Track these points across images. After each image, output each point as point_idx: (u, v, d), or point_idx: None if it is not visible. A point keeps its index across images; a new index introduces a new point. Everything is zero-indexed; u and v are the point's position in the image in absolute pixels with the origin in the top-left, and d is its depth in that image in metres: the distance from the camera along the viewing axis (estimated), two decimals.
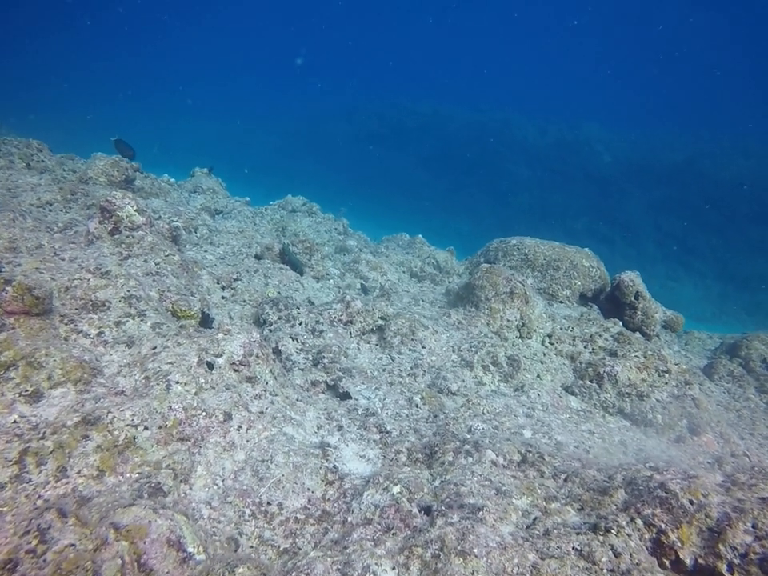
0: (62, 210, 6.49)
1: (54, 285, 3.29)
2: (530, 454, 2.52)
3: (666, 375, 4.39)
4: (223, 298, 4.97)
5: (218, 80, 59.07)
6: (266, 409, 2.86)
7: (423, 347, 4.51)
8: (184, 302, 3.86)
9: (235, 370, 2.89)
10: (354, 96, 51.50)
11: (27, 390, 2.47)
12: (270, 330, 4.30)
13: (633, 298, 6.89)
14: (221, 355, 2.86)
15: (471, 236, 37.96)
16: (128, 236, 4.74)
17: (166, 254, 4.67)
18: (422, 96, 49.60)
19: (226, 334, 3.00)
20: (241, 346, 2.97)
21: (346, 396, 3.67)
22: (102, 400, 2.44)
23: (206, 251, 6.22)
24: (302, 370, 3.94)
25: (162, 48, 62.10)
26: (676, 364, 4.55)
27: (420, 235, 8.99)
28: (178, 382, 2.54)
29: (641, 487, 1.97)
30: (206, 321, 4.03)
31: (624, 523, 1.87)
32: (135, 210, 4.98)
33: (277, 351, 4.06)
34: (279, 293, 5.43)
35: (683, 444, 3.70)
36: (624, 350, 4.88)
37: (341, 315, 4.52)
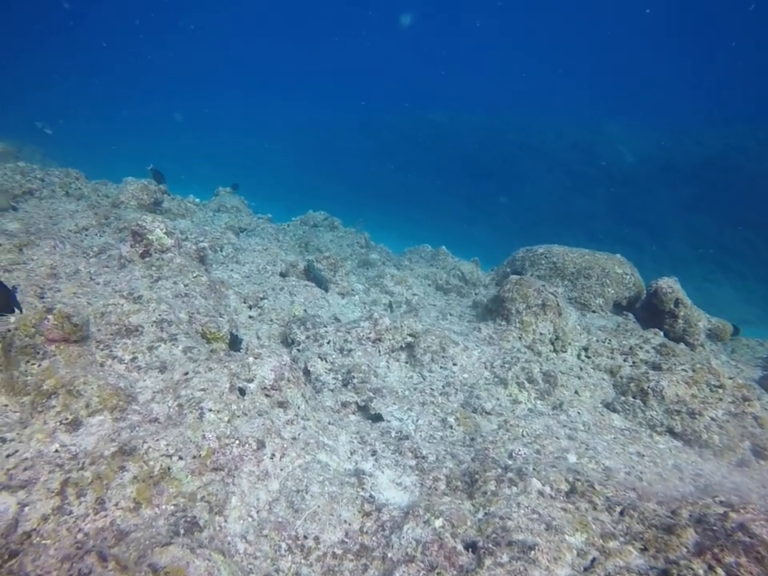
0: (96, 234, 6.61)
1: (90, 310, 3.29)
2: (579, 483, 2.38)
3: (720, 390, 4.16)
4: (250, 317, 4.95)
5: (235, 97, 60.17)
6: (299, 435, 2.79)
7: (454, 364, 4.40)
8: (213, 324, 3.84)
9: (267, 395, 2.83)
10: (368, 108, 51.81)
11: (67, 419, 2.47)
12: (298, 350, 4.25)
13: (672, 306, 6.64)
14: (252, 380, 2.81)
15: (493, 244, 37.57)
16: (158, 258, 4.77)
17: (194, 275, 4.67)
18: (437, 105, 49.63)
19: (256, 358, 2.95)
20: (272, 370, 2.91)
21: (377, 418, 3.58)
22: (137, 429, 2.41)
23: (231, 270, 6.23)
24: (332, 390, 3.86)
25: (180, 67, 63.57)
26: (730, 378, 4.32)
27: (443, 246, 8.89)
28: (210, 410, 2.49)
29: (714, 527, 1.81)
30: (234, 342, 4.00)
31: (701, 572, 1.71)
32: (164, 233, 5.02)
33: (306, 372, 4.00)
34: (305, 310, 5.39)
35: (748, 469, 3.49)
36: (669, 363, 4.68)
37: (369, 333, 4.44)
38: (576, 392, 4.55)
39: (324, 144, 47.71)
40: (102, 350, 2.96)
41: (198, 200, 10.63)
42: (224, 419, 2.49)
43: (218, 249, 7.22)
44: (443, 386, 4.19)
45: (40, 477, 2.21)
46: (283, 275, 6.21)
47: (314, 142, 48.36)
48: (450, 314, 5.82)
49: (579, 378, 4.76)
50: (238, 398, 2.66)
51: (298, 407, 2.93)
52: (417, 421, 3.66)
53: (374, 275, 7.01)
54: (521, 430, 3.32)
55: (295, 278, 6.06)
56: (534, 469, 2.63)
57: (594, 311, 7.16)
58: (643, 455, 3.39)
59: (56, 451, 2.35)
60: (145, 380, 2.82)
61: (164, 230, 4.94)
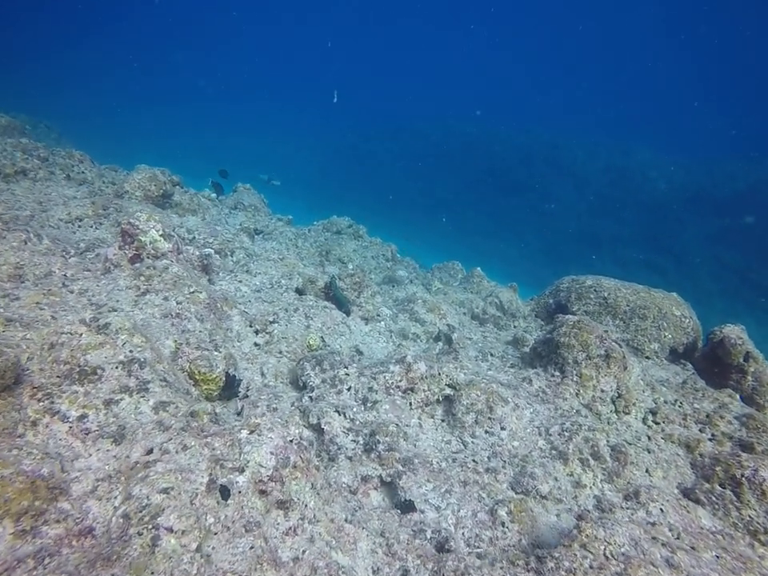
0: (91, 227, 5.88)
1: (36, 339, 2.48)
2: None
3: None
4: (256, 345, 4.13)
5: (264, 95, 60.01)
6: (303, 552, 1.94)
7: (503, 428, 3.53)
8: (204, 362, 3.02)
9: (262, 492, 1.99)
10: (399, 115, 51.18)
11: None
12: (310, 398, 3.41)
13: (741, 360, 5.70)
14: (243, 470, 1.97)
15: (516, 260, 36.68)
16: (149, 266, 3.97)
17: (191, 290, 3.87)
18: (469, 116, 48.84)
19: (252, 432, 2.11)
20: (272, 452, 2.07)
21: (408, 506, 2.72)
22: (46, 560, 1.57)
23: (240, 281, 5.43)
24: (350, 458, 3.02)
25: (213, 64, 63.70)
26: None
27: (478, 268, 8.02)
28: (172, 531, 1.65)
29: None
30: (230, 385, 3.18)
31: None
32: (161, 236, 4.23)
33: (318, 429, 3.16)
34: (323, 339, 4.56)
35: None
36: (763, 443, 3.76)
37: (399, 380, 3.59)
38: (647, 471, 3.64)
39: (352, 147, 47.11)
40: (39, 400, 2.15)
41: (213, 195, 9.91)
42: (191, 546, 1.65)
43: (229, 253, 6.44)
44: (488, 457, 3.32)
45: None
46: (300, 292, 5.40)
47: (341, 144, 47.81)
48: (491, 354, 4.95)
49: (649, 452, 3.86)
50: (218, 503, 1.82)
51: (305, 505, 2.08)
52: (458, 511, 2.80)
53: (403, 298, 6.16)
54: (603, 547, 2.42)
55: (313, 297, 5.24)
56: None
57: (647, 357, 6.25)
58: None
59: None
60: (90, 455, 2.01)
61: (160, 232, 4.16)
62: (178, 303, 3.70)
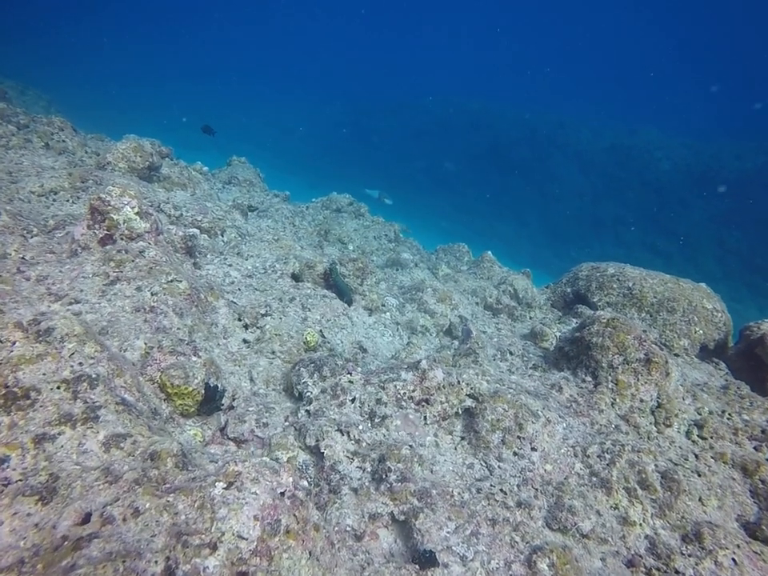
0: (67, 201, 5.27)
1: None
2: None
3: None
4: (245, 342, 3.57)
5: (265, 69, 58.30)
6: None
7: (533, 449, 2.99)
8: (179, 372, 2.45)
9: (241, 575, 1.44)
10: (402, 90, 49.82)
11: None
12: (307, 412, 2.86)
13: None
14: (215, 547, 1.42)
15: (515, 240, 36.07)
16: (120, 250, 3.38)
17: (170, 279, 3.28)
18: (473, 92, 47.62)
19: (230, 486, 1.56)
20: (256, 517, 1.52)
21: (428, 561, 2.19)
22: None
23: (230, 265, 4.84)
24: (356, 490, 2.48)
25: (212, 38, 61.72)
26: None
27: (489, 252, 7.43)
28: None
29: None
30: (210, 398, 2.62)
31: None
32: (136, 214, 3.62)
33: (317, 453, 2.62)
34: (321, 333, 4.00)
35: None
36: None
37: (412, 391, 3.04)
38: (700, 499, 3.13)
39: (353, 123, 45.89)
40: None
41: (206, 168, 9.23)
42: None
43: (219, 232, 5.84)
44: (518, 486, 2.79)
45: None
46: (296, 278, 4.82)
47: (341, 119, 46.56)
48: (511, 353, 4.40)
49: (699, 475, 3.34)
50: None
51: None
52: (488, 563, 2.28)
53: (410, 285, 5.59)
54: None
55: (311, 285, 4.66)
56: None
57: (676, 354, 5.72)
58: None
59: None
60: (2, 522, 1.44)
61: (136, 209, 3.55)
62: (153, 294, 3.12)
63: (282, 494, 1.65)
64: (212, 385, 2.63)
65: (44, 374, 1.87)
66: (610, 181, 39.96)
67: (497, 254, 7.61)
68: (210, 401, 2.61)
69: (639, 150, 41.35)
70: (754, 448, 3.66)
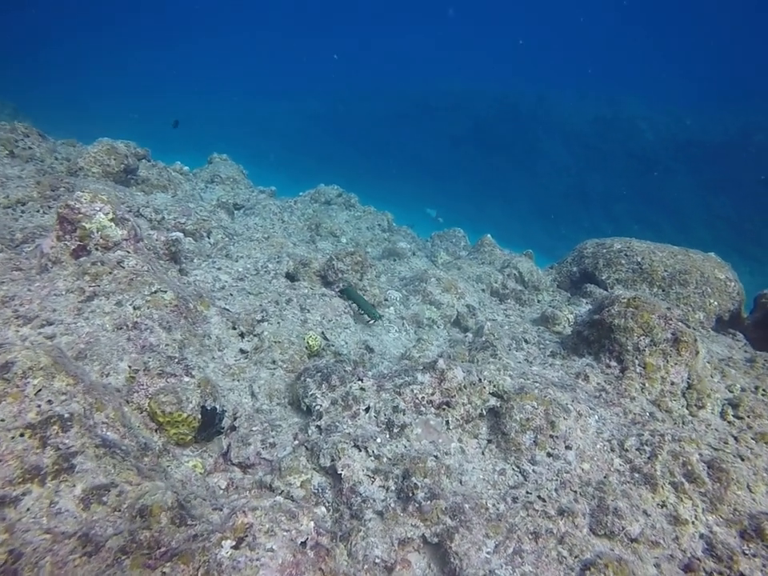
0: (38, 211, 4.92)
1: None
2: None
3: None
4: (242, 352, 3.27)
5: (237, 60, 57.17)
6: None
7: (567, 447, 2.73)
8: (170, 398, 2.15)
9: None
10: (378, 76, 49.08)
11: None
12: (318, 428, 2.57)
13: None
14: None
15: (507, 221, 35.78)
16: (96, 261, 3.06)
17: (153, 289, 2.97)
18: (451, 73, 47.07)
19: (239, 544, 1.27)
20: None
21: None
22: None
23: (219, 269, 4.52)
24: (380, 513, 2.21)
25: (179, 22, 60.31)
26: None
27: (488, 235, 7.15)
28: None
29: None
30: (209, 423, 2.32)
31: None
32: (111, 220, 3.30)
33: (333, 474, 2.34)
34: (323, 335, 3.71)
35: None
36: None
37: (431, 394, 2.77)
38: (748, 487, 2.89)
39: (332, 112, 45.20)
40: None
41: (186, 168, 8.83)
42: None
43: (205, 234, 5.51)
44: (556, 490, 2.53)
45: None
46: (291, 278, 4.51)
47: (320, 109, 45.84)
48: (526, 341, 4.13)
49: (742, 459, 3.10)
50: None
51: None
52: None
53: (411, 276, 5.29)
54: None
55: (307, 283, 4.36)
56: None
57: (693, 329, 5.47)
58: None
59: None
60: None
61: (110, 215, 3.22)
62: (135, 309, 2.81)
63: (304, 543, 1.36)
64: (209, 407, 2.33)
65: (2, 420, 1.56)
66: (595, 154, 39.81)
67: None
68: (209, 425, 2.32)
69: (621, 121, 41.19)
70: None
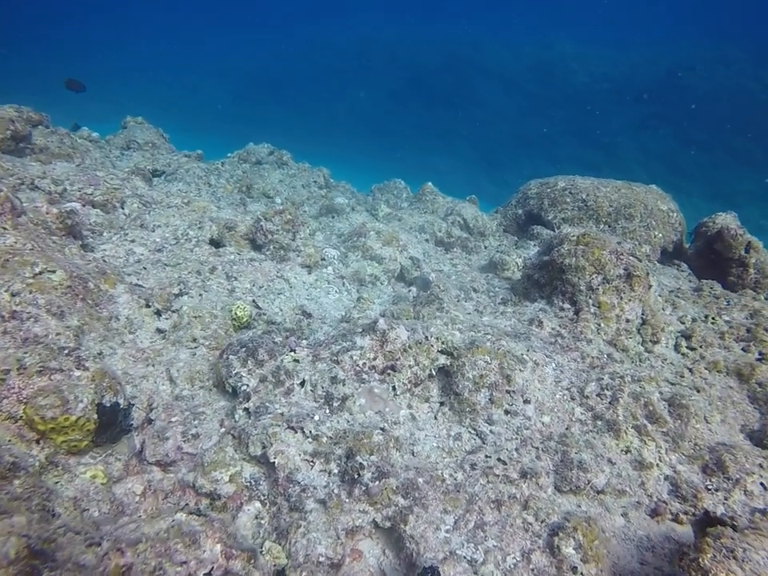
0: None
1: None
2: None
3: None
4: (159, 332, 2.85)
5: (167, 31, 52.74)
6: None
7: (526, 401, 2.53)
8: (52, 398, 1.76)
9: None
10: (307, 31, 46.64)
11: None
12: (246, 411, 2.24)
13: (743, 252, 4.99)
14: None
15: (450, 171, 35.47)
16: None
17: (36, 270, 2.49)
18: (388, 22, 45.40)
19: None
20: None
21: None
22: None
23: (132, 241, 4.01)
24: (324, 502, 1.93)
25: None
26: None
27: (429, 183, 6.83)
28: None
29: None
30: (109, 422, 1.94)
31: None
32: None
33: (266, 463, 2.03)
34: (254, 303, 3.34)
35: None
36: None
37: (373, 359, 2.47)
38: (705, 418, 2.80)
39: (264, 72, 42.77)
40: None
41: (95, 134, 7.94)
42: None
43: (118, 205, 4.90)
44: (517, 450, 2.33)
45: None
46: (215, 243, 4.06)
47: (250, 69, 43.27)
48: (474, 290, 3.90)
49: (698, 391, 3.02)
50: None
51: None
52: (503, 561, 1.82)
53: (350, 232, 4.92)
54: None
55: (234, 249, 3.93)
56: None
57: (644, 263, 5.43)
58: None
59: None
60: None
61: None
62: (13, 295, 2.33)
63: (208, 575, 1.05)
64: (108, 403, 1.94)
65: None
66: (534, 99, 39.81)
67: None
68: (111, 424, 1.94)
69: (556, 65, 41.26)
70: (743, 349, 3.38)
